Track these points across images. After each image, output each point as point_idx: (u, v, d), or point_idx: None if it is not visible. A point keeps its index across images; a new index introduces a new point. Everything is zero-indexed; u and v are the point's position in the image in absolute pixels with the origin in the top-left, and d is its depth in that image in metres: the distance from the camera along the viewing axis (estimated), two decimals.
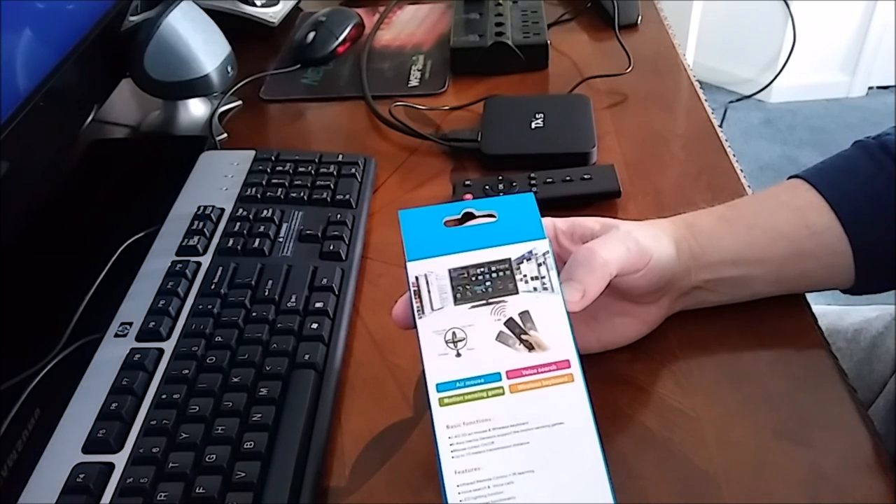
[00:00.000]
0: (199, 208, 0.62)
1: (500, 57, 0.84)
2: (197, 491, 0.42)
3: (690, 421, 0.46)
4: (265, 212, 0.62)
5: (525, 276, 0.40)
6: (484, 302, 0.39)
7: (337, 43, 0.90)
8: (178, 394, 0.47)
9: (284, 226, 0.61)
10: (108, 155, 0.76)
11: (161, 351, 0.51)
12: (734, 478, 0.43)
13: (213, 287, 0.55)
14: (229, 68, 0.76)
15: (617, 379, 0.49)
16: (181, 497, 0.42)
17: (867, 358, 0.68)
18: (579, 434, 0.36)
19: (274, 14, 0.95)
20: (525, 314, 0.39)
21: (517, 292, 0.40)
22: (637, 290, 0.47)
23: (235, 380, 0.48)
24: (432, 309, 0.39)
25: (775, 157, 2.29)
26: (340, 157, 0.69)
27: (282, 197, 0.64)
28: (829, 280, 0.51)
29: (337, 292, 0.55)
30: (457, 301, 0.39)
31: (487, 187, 0.64)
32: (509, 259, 0.41)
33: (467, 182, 0.65)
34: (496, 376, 0.37)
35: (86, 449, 0.45)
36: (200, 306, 0.53)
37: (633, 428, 0.46)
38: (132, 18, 0.72)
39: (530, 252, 0.41)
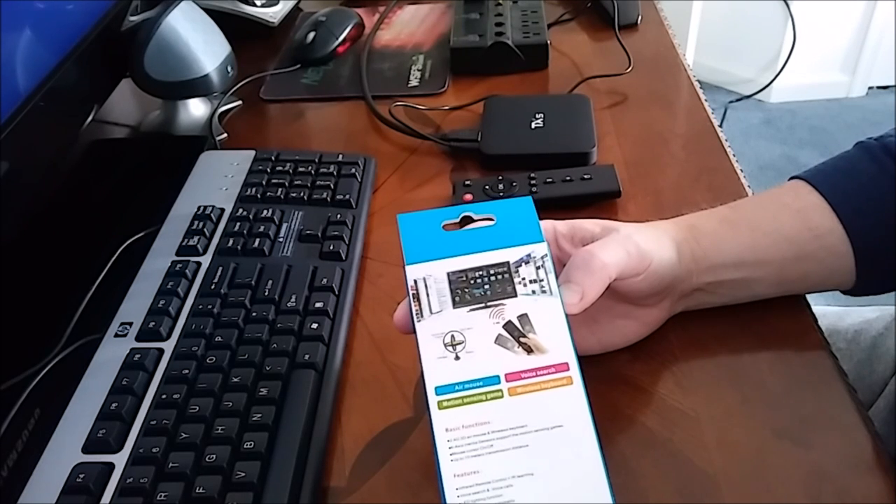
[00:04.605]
0: (199, 208, 0.62)
1: (500, 57, 0.84)
2: (197, 491, 0.42)
3: (690, 421, 0.46)
4: (265, 212, 0.62)
5: (523, 279, 0.40)
6: (482, 305, 0.39)
7: (337, 43, 0.90)
8: (178, 394, 0.47)
9: (284, 226, 0.61)
10: (108, 155, 0.76)
11: (161, 351, 0.51)
12: (734, 478, 0.43)
13: (213, 287, 0.55)
14: (229, 68, 0.76)
15: (617, 379, 0.49)
16: (181, 497, 0.42)
17: (867, 359, 0.68)
18: (578, 436, 0.36)
19: (274, 14, 0.95)
20: (524, 317, 0.39)
21: (516, 295, 0.40)
22: (637, 293, 0.47)
23: (235, 380, 0.48)
24: (431, 312, 0.39)
25: (775, 157, 2.29)
26: (340, 157, 0.69)
27: (282, 197, 0.64)
28: (830, 281, 0.51)
29: (337, 292, 0.55)
30: (455, 304, 0.39)
31: (487, 187, 0.64)
32: (508, 262, 0.41)
33: (467, 182, 0.65)
34: (495, 379, 0.37)
35: (86, 449, 0.45)
36: (200, 306, 0.53)
37: (633, 428, 0.46)
38: (132, 18, 0.72)
39: (529, 255, 0.41)
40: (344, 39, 0.91)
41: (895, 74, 2.46)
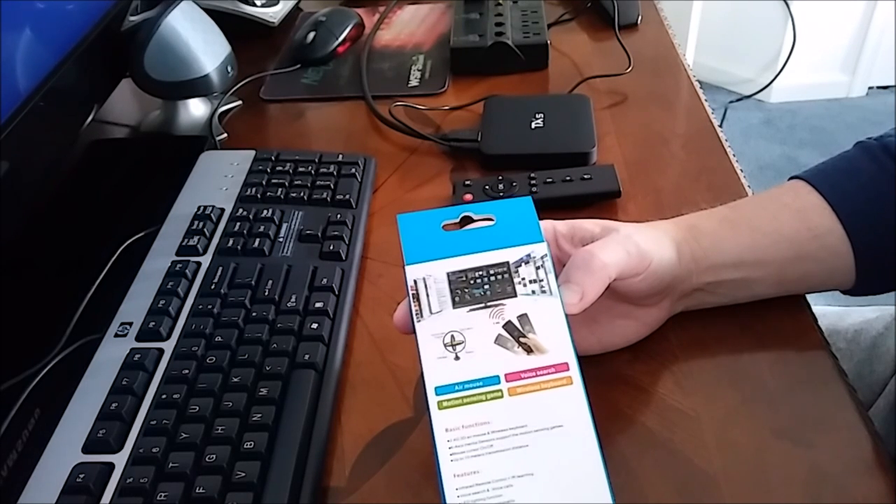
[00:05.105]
0: (199, 208, 0.62)
1: (500, 57, 0.84)
2: (197, 491, 0.42)
3: (690, 421, 0.46)
4: (265, 212, 0.62)
5: (523, 279, 0.40)
6: (482, 305, 0.39)
7: (337, 43, 0.90)
8: (178, 394, 0.47)
9: (284, 226, 0.61)
10: (108, 155, 0.76)
11: (161, 351, 0.51)
12: (734, 478, 0.43)
13: (213, 287, 0.55)
14: (229, 68, 0.76)
15: (617, 379, 0.49)
16: (181, 497, 0.42)
17: (867, 358, 0.68)
18: (578, 436, 0.36)
19: (274, 14, 0.95)
20: (523, 317, 0.39)
21: (515, 295, 0.40)
22: (637, 293, 0.47)
23: (235, 380, 0.48)
24: (431, 312, 0.39)
25: (775, 157, 2.29)
26: (340, 157, 0.69)
27: (282, 197, 0.64)
28: (830, 281, 0.51)
29: (337, 292, 0.55)
30: (455, 304, 0.39)
31: (487, 187, 0.64)
32: (507, 262, 0.41)
33: (467, 182, 0.65)
34: (495, 379, 0.37)
35: (86, 449, 0.45)
36: (200, 306, 0.53)
37: (633, 428, 0.46)
38: (132, 18, 0.72)
39: (528, 255, 0.41)
40: (344, 39, 0.91)
41: (895, 74, 2.46)
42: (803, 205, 0.51)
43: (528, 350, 0.38)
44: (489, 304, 0.39)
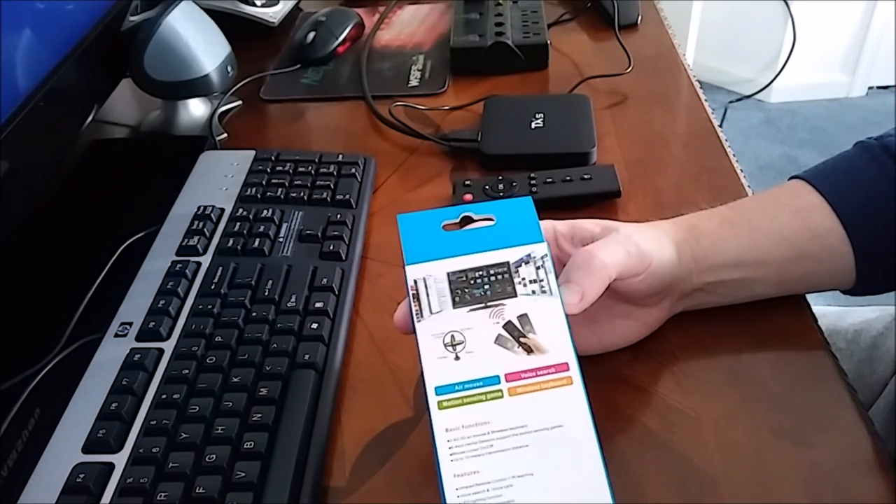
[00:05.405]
0: (199, 208, 0.62)
1: (500, 57, 0.84)
2: (197, 491, 0.42)
3: (690, 421, 0.46)
4: (265, 212, 0.62)
5: (523, 279, 0.40)
6: (482, 305, 0.39)
7: (337, 43, 0.90)
8: (178, 394, 0.47)
9: (284, 226, 0.61)
10: (108, 155, 0.77)
11: (161, 351, 0.51)
12: (734, 478, 0.43)
13: (213, 287, 0.55)
14: (229, 68, 0.76)
15: (617, 379, 0.49)
16: (181, 497, 0.42)
17: (867, 358, 0.68)
18: (578, 436, 0.36)
19: (274, 14, 0.95)
20: (524, 317, 0.39)
21: (515, 295, 0.40)
22: (637, 293, 0.47)
23: (235, 380, 0.48)
24: (431, 312, 0.39)
25: (775, 157, 2.29)
26: (340, 157, 0.69)
27: (282, 197, 0.64)
28: (830, 281, 0.51)
29: (337, 292, 0.55)
30: (455, 304, 0.39)
31: (487, 187, 0.64)
32: (508, 262, 0.41)
33: (467, 182, 0.65)
34: (495, 379, 0.37)
35: (86, 449, 0.45)
36: (200, 306, 0.53)
37: (633, 428, 0.46)
38: (132, 18, 0.72)
39: (529, 255, 0.41)
40: (344, 39, 0.91)
41: (895, 74, 2.46)
42: (803, 205, 0.51)
43: (529, 350, 0.38)
44: (489, 304, 0.39)
